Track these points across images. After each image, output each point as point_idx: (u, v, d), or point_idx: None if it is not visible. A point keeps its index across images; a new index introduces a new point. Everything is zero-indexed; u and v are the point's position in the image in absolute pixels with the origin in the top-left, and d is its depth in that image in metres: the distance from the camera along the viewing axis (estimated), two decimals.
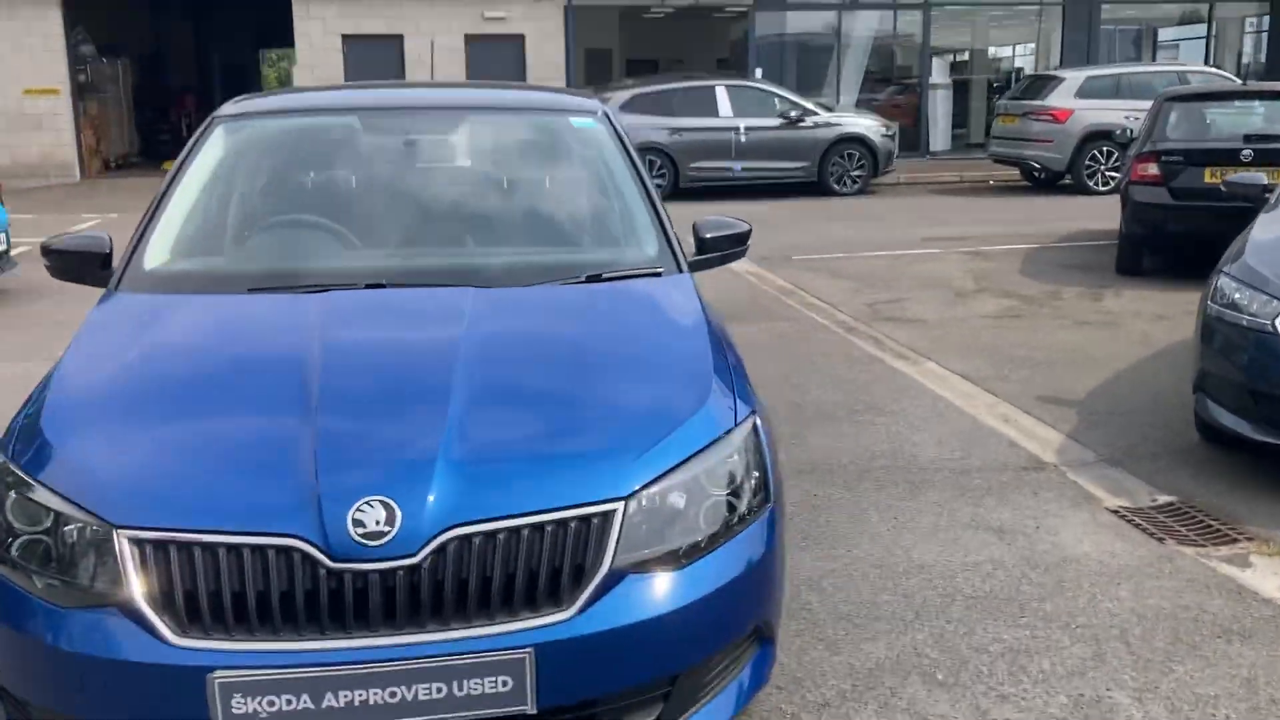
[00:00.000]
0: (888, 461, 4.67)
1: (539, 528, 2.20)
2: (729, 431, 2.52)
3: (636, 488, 2.31)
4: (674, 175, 14.76)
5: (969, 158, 19.22)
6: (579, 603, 2.19)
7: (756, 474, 2.53)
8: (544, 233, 3.66)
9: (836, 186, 15.24)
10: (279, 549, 2.11)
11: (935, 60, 20.60)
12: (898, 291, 8.43)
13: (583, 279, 3.18)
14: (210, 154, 3.63)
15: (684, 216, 3.84)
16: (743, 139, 14.89)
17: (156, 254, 3.31)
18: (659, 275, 3.28)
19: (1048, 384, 5.87)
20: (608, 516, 2.26)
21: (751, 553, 2.43)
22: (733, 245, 3.69)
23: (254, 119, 3.87)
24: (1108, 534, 3.89)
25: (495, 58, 18.05)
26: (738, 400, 2.65)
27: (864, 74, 20.28)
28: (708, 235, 3.65)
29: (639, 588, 2.25)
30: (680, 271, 3.34)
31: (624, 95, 14.71)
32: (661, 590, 2.27)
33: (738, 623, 2.44)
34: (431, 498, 2.18)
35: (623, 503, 2.29)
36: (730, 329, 3.31)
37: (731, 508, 2.43)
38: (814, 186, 15.20)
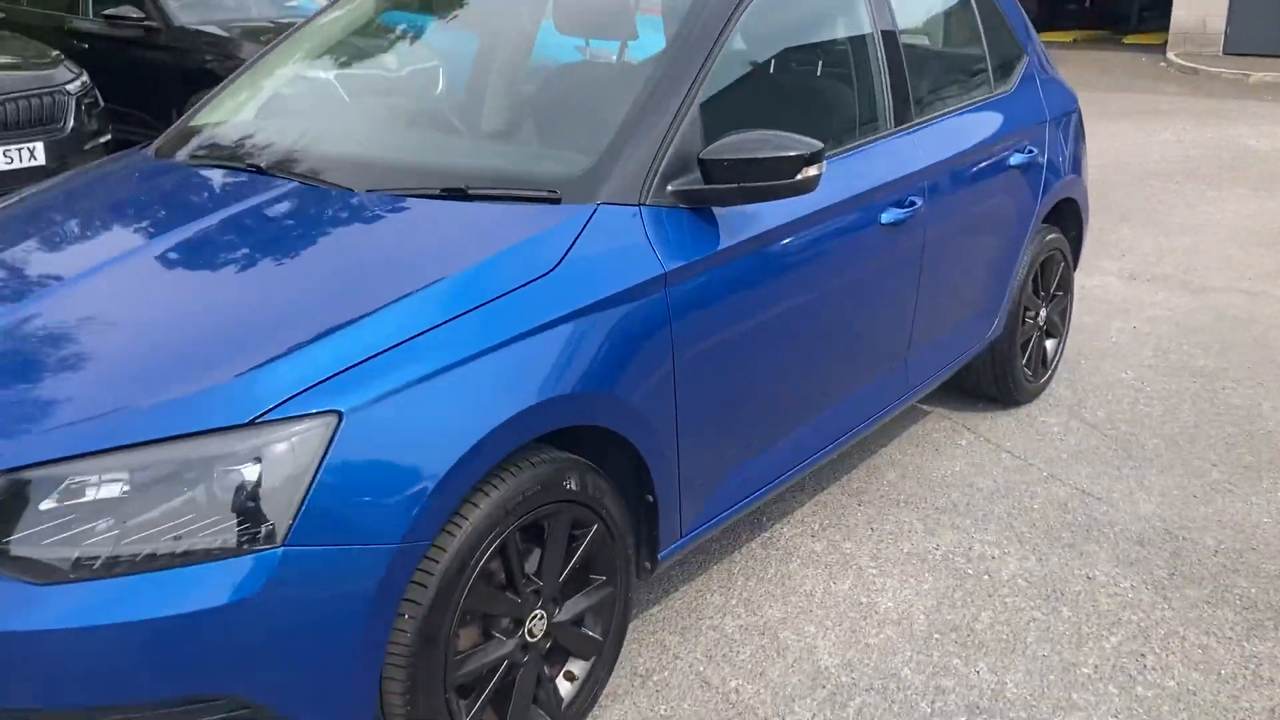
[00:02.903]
0: None
1: None
2: (252, 423, 1.88)
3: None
4: None
5: None
6: None
7: (302, 500, 1.87)
8: (530, 129, 3.03)
9: None
10: None
11: None
12: None
13: (437, 193, 2.50)
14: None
15: None
16: None
17: (213, 112, 3.26)
18: (555, 203, 2.42)
19: None
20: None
21: (212, 596, 1.82)
22: (761, 177, 2.48)
23: None
24: None
25: None
26: (310, 393, 1.91)
27: None
28: (709, 157, 2.49)
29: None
30: (595, 202, 2.40)
31: None
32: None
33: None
34: None
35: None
36: None
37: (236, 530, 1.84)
38: None
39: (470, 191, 2.47)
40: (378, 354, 2.00)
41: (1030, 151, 3.91)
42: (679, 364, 2.49)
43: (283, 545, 1.85)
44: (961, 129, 3.58)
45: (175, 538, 1.83)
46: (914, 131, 3.35)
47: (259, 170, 2.74)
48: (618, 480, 2.55)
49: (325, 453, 1.89)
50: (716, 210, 2.62)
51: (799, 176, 2.51)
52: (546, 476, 2.23)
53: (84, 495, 1.82)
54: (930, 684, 2.70)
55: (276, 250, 2.36)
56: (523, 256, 2.26)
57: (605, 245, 2.37)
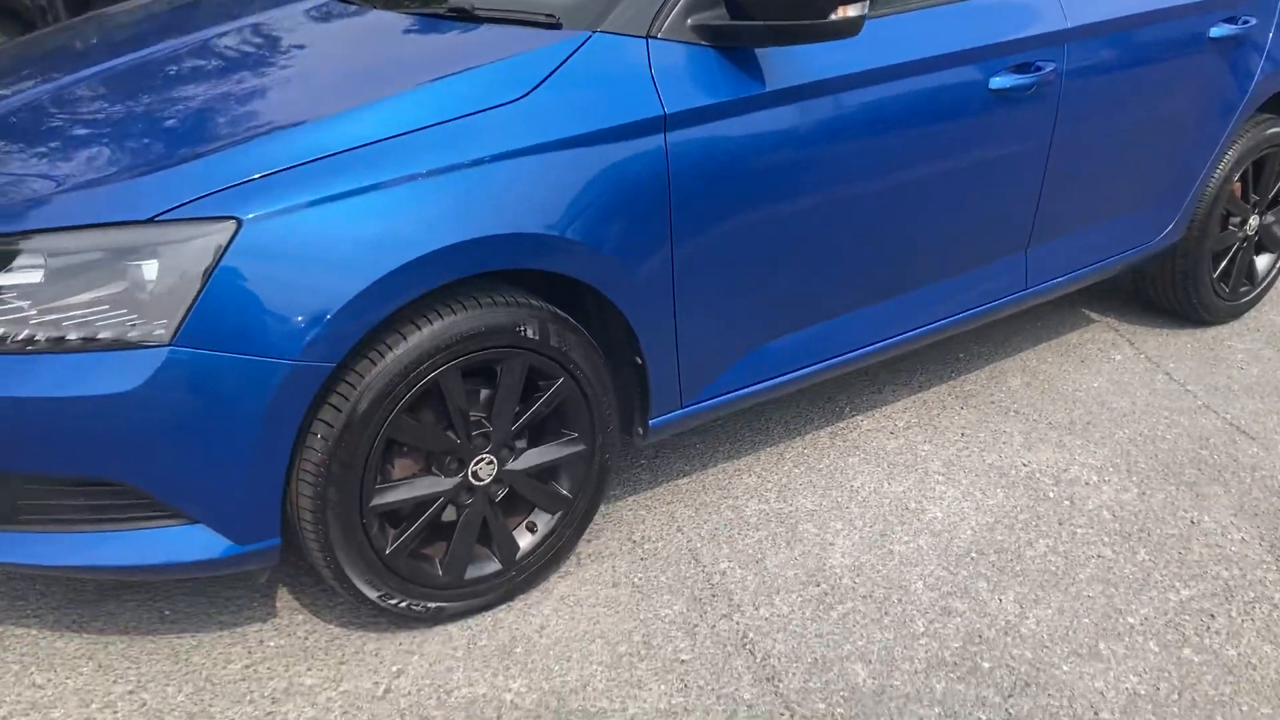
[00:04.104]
0: None
1: None
2: (151, 220, 1.86)
3: None
4: None
5: None
6: None
7: (192, 303, 1.86)
8: None
9: None
10: None
11: None
12: None
13: (444, 11, 2.41)
14: None
15: None
16: None
17: None
18: (554, 26, 2.25)
19: None
20: None
21: (104, 384, 1.86)
22: (791, 13, 2.19)
23: None
24: None
25: None
26: (212, 197, 1.88)
27: None
28: None
29: None
30: (595, 30, 2.20)
31: None
32: None
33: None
34: None
35: None
36: None
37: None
38: None
39: (475, 12, 2.34)
40: (300, 164, 1.94)
41: (1244, 23, 3.28)
42: (678, 221, 2.29)
43: (170, 345, 1.87)
44: None
45: (78, 324, 1.88)
46: None
47: None
48: (608, 338, 2.41)
49: (218, 259, 1.88)
50: (760, 53, 2.36)
51: (834, 16, 2.20)
52: (497, 319, 2.13)
53: (10, 275, 1.91)
54: (940, 603, 2.43)
55: (258, 58, 2.35)
56: (492, 79, 2.12)
57: (593, 77, 2.19)
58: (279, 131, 2.00)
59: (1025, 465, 2.97)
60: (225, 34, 2.52)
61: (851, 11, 2.21)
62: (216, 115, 2.14)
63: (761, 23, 2.23)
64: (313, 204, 1.92)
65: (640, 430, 2.51)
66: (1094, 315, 3.89)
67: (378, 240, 1.96)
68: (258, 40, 2.45)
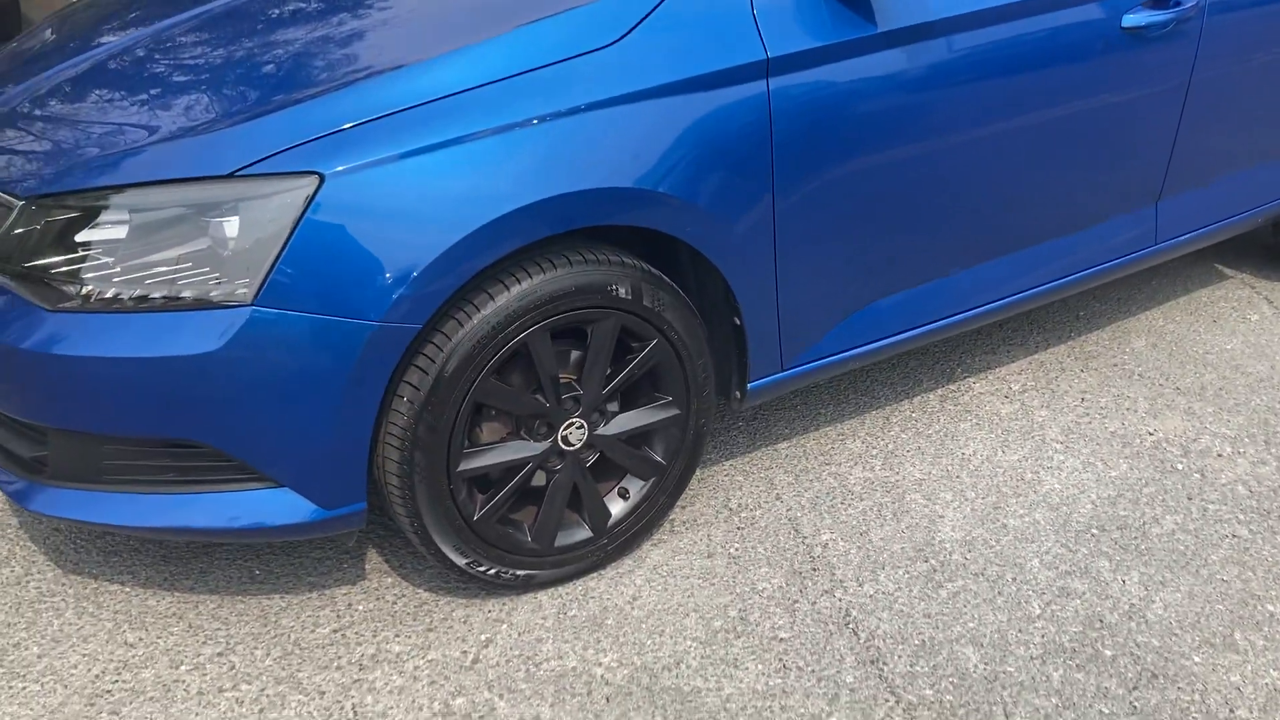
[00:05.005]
0: None
1: None
2: (232, 175, 1.80)
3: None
4: None
5: None
6: None
7: (274, 262, 1.79)
8: None
9: None
10: None
11: None
12: None
13: None
14: None
15: None
16: None
17: None
18: None
19: None
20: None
21: (186, 344, 1.81)
22: None
23: None
24: None
25: None
26: (294, 151, 1.81)
27: None
28: None
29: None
30: None
31: None
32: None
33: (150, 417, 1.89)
34: None
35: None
36: None
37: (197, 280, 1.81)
38: None
39: None
40: (385, 115, 1.85)
41: None
42: (781, 174, 2.15)
43: (253, 305, 1.81)
44: None
45: (161, 282, 1.83)
46: None
47: None
48: (705, 298, 2.29)
49: (301, 216, 1.80)
50: None
51: None
52: (588, 278, 2.02)
53: (96, 230, 1.86)
54: (1057, 583, 2.28)
55: (344, 2, 2.25)
56: (586, 22, 1.99)
57: (692, 19, 2.05)
58: (364, 81, 1.91)
59: (1151, 434, 2.78)
60: None
61: None
62: (303, 63, 2.06)
63: None
64: (397, 158, 1.83)
65: (738, 394, 2.39)
66: (1227, 271, 3.63)
67: (464, 195, 1.86)
68: None
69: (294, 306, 1.82)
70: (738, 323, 2.27)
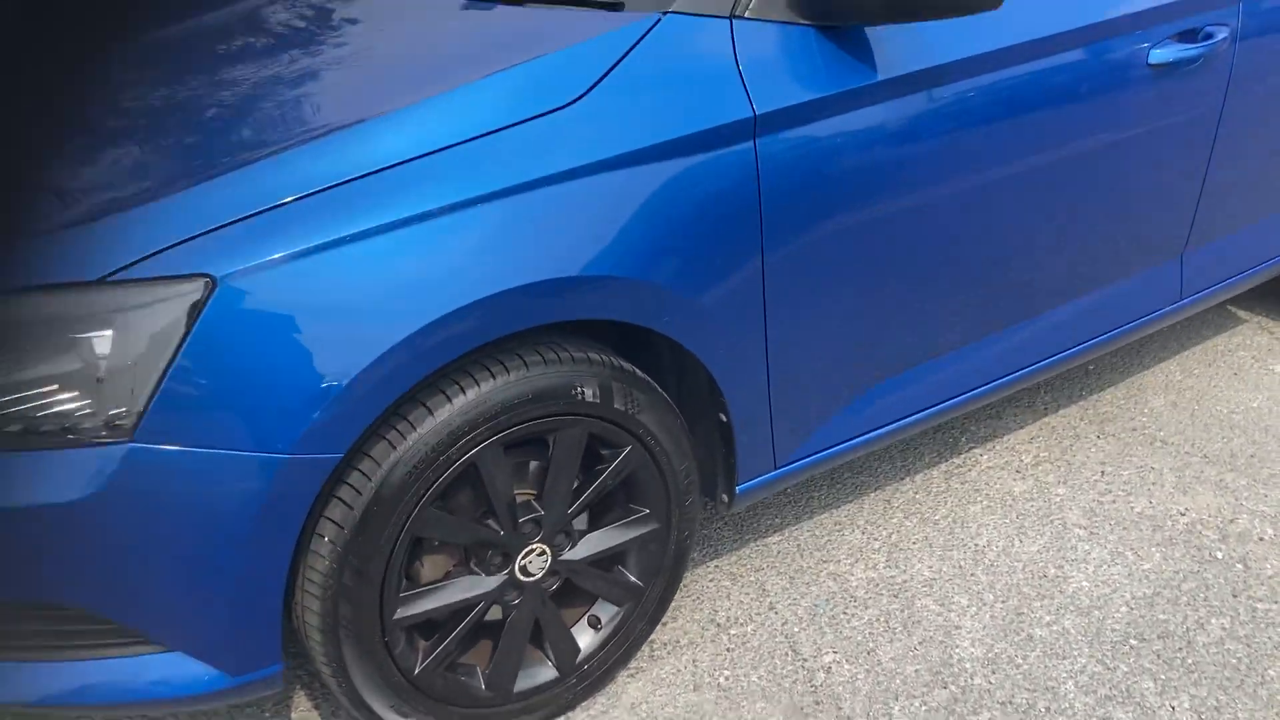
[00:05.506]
0: None
1: None
2: (102, 281, 1.44)
3: None
4: None
5: None
6: None
7: (157, 386, 1.44)
8: None
9: None
10: None
11: None
12: None
13: None
14: None
15: None
16: None
17: None
18: (614, 5, 1.79)
19: None
20: None
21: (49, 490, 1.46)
22: None
23: None
24: None
25: None
26: (180, 249, 1.45)
27: None
28: None
29: None
30: (663, 10, 1.73)
31: None
32: None
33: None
34: None
35: None
36: None
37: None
38: None
39: None
40: (292, 200, 1.51)
41: None
42: (772, 249, 1.83)
43: (130, 440, 1.46)
44: None
45: (19, 413, 1.48)
46: None
47: None
48: (687, 386, 1.97)
49: (188, 329, 1.46)
50: (872, 33, 1.87)
51: None
52: (547, 382, 1.69)
53: None
54: (1099, 711, 1.97)
55: (250, 54, 1.92)
56: (533, 80, 1.66)
57: (663, 73, 1.72)
58: (271, 157, 1.56)
59: (1183, 514, 2.48)
60: (214, 24, 2.09)
61: None
62: (212, 132, 1.72)
63: None
64: (310, 252, 1.49)
65: (725, 498, 2.06)
66: (1241, 313, 3.35)
67: (389, 297, 1.52)
68: (251, 32, 2.02)
69: (183, 440, 1.47)
70: (724, 419, 1.95)
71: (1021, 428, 2.81)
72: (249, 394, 1.48)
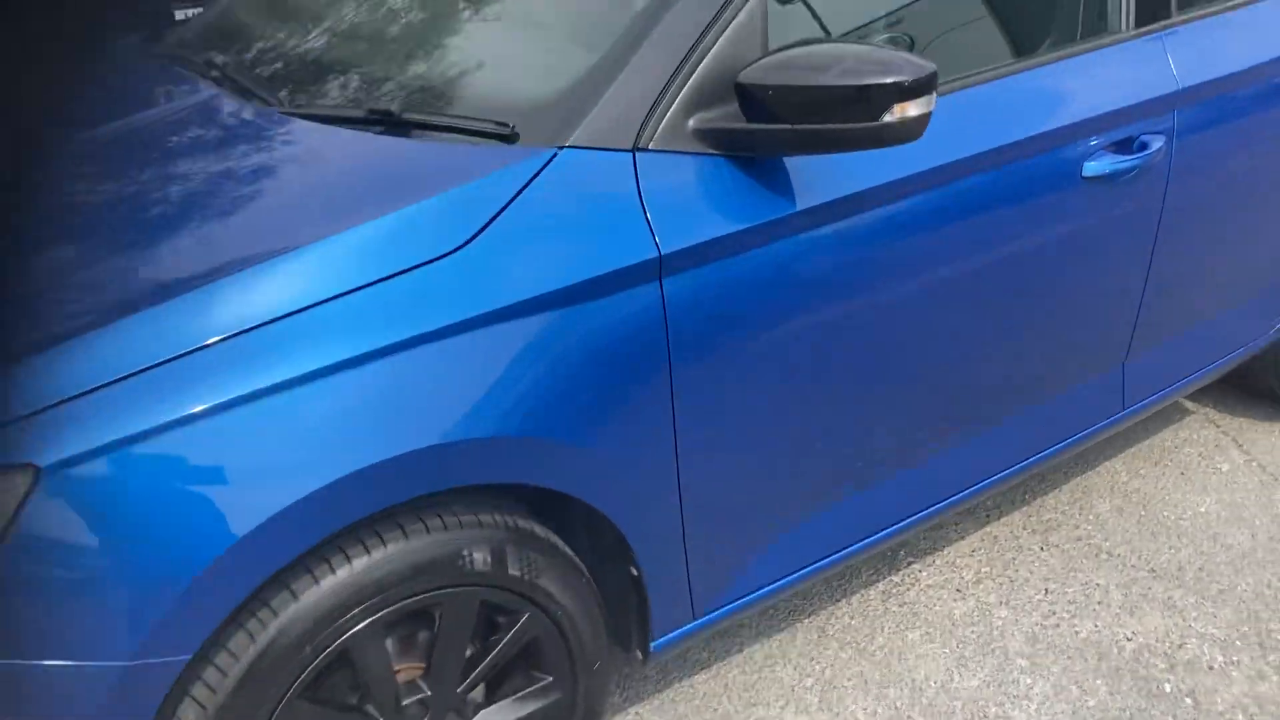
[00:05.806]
0: None
1: None
2: None
3: None
4: None
5: None
6: None
7: None
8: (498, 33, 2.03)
9: None
10: None
11: None
12: None
13: (362, 115, 1.75)
14: None
15: None
16: None
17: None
18: (507, 138, 1.61)
19: None
20: None
21: None
22: (826, 114, 1.58)
23: None
24: None
25: None
26: (19, 425, 1.30)
27: None
28: (749, 81, 1.62)
29: None
30: (559, 144, 1.58)
31: None
32: None
33: None
34: None
35: None
36: None
37: None
38: None
39: (403, 118, 1.73)
40: (133, 374, 1.35)
41: None
42: (682, 396, 1.69)
43: None
44: (1253, 28, 2.41)
45: None
46: (1163, 36, 2.24)
47: (210, 71, 2.12)
48: (595, 536, 1.82)
49: (7, 524, 1.29)
50: (789, 160, 1.75)
51: (887, 118, 1.59)
52: (429, 554, 1.53)
53: None
54: None
55: (94, 200, 1.75)
56: (415, 225, 1.51)
57: (561, 212, 1.58)
58: (117, 322, 1.40)
59: (1129, 639, 2.36)
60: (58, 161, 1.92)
61: (913, 111, 1.59)
62: (62, 286, 1.55)
63: (790, 127, 1.62)
64: (148, 433, 1.33)
65: (639, 654, 1.91)
66: (1189, 405, 3.26)
67: (246, 478, 1.36)
68: (94, 166, 1.86)
69: (4, 652, 1.30)
70: (634, 572, 1.80)
71: (963, 538, 2.68)
72: (79, 597, 1.31)
